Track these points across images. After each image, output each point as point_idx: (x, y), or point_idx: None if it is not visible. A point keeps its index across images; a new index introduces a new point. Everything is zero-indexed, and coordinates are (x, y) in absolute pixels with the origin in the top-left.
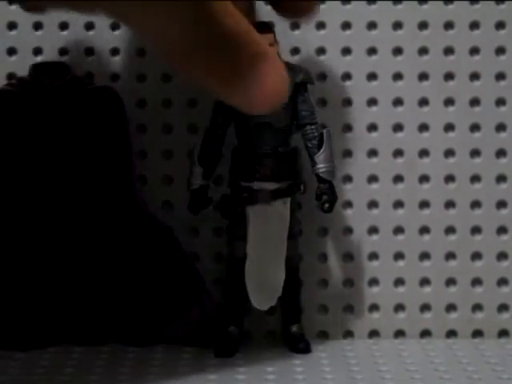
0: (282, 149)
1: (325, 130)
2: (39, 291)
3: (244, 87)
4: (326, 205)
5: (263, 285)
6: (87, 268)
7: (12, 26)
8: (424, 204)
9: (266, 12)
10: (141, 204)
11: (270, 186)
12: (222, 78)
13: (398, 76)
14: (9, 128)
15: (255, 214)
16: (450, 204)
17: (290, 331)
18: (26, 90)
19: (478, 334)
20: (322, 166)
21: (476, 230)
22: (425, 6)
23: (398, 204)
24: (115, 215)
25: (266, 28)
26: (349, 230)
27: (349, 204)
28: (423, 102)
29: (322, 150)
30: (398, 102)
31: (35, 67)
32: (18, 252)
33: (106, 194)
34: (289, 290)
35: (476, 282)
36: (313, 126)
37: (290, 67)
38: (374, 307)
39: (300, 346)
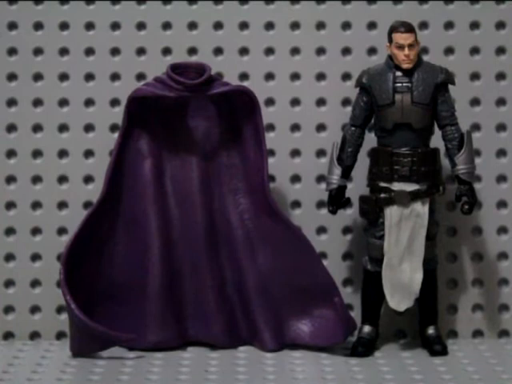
0: (422, 149)
1: (466, 132)
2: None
3: None
4: (466, 206)
5: (400, 285)
6: (226, 265)
7: (12, 26)
8: None
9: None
10: (273, 203)
11: (409, 186)
12: None
13: None
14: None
15: (393, 215)
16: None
17: (427, 333)
18: (171, 90)
19: (478, 334)
20: (462, 167)
21: (477, 230)
22: (425, 6)
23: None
24: (252, 214)
25: (408, 28)
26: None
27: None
28: None
29: (462, 151)
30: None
31: (172, 67)
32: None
33: (242, 192)
34: (426, 291)
35: (476, 282)
36: (453, 127)
37: (430, 68)
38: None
39: (436, 347)
